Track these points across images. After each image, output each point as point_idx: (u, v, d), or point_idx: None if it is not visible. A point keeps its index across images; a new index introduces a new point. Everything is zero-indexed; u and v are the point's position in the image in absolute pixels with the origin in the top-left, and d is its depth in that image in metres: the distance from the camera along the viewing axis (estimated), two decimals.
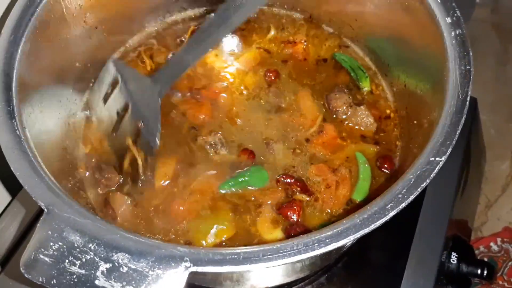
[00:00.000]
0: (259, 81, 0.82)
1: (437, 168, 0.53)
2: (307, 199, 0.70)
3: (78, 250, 0.46)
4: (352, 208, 0.69)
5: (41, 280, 0.46)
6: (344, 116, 0.78)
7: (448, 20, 0.64)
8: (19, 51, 0.62)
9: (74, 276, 0.45)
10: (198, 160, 0.73)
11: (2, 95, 0.58)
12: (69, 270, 0.46)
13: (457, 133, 0.55)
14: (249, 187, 0.70)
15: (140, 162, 0.66)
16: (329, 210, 0.69)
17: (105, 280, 0.45)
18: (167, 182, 0.71)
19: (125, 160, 0.68)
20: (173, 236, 0.67)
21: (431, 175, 0.52)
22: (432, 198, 0.78)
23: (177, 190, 0.70)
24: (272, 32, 0.88)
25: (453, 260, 0.79)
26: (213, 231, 0.66)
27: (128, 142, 0.65)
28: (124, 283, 0.45)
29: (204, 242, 0.66)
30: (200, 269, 0.46)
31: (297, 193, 0.70)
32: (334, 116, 0.78)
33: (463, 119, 0.56)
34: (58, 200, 0.51)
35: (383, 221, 0.49)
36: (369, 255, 0.77)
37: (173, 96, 0.79)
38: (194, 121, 0.77)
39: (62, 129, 0.72)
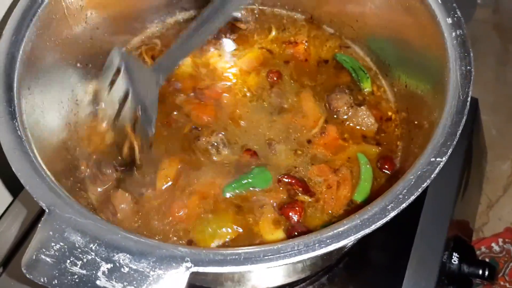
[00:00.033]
0: (262, 82, 0.82)
1: (437, 169, 0.53)
2: (309, 200, 0.70)
3: (79, 250, 0.47)
4: (353, 209, 0.69)
5: (42, 280, 0.46)
6: (345, 117, 0.78)
7: (449, 20, 0.64)
8: (21, 52, 0.62)
9: (76, 276, 0.45)
10: (200, 161, 0.73)
11: (4, 96, 0.58)
12: (70, 270, 0.46)
13: (458, 134, 0.55)
14: (253, 189, 0.70)
15: (136, 148, 0.67)
16: (330, 211, 0.69)
17: (106, 280, 0.45)
18: (169, 183, 0.71)
19: (124, 146, 0.68)
20: (175, 238, 0.67)
21: (432, 176, 0.52)
22: (433, 198, 0.78)
23: (179, 192, 0.70)
24: (273, 33, 0.88)
25: (455, 261, 0.79)
26: (216, 232, 0.66)
27: (127, 129, 0.66)
28: (125, 283, 0.45)
29: (207, 244, 0.66)
30: (201, 269, 0.46)
31: (299, 193, 0.70)
32: (335, 116, 0.78)
33: (463, 120, 0.56)
34: (59, 200, 0.51)
35: (384, 221, 0.49)
36: (370, 255, 0.77)
37: (177, 97, 0.79)
38: (198, 121, 0.77)
39: (63, 129, 0.72)
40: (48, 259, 0.46)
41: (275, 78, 0.82)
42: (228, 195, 0.70)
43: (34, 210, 0.80)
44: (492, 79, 1.71)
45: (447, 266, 0.77)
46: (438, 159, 0.53)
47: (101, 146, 0.74)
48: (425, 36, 0.68)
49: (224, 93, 0.81)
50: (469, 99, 0.58)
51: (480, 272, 0.80)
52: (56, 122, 0.70)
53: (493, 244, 1.39)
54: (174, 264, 0.46)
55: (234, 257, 0.46)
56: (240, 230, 0.67)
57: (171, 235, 0.67)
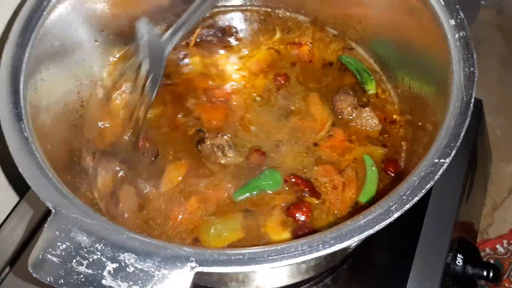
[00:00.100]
0: (269, 85, 0.82)
1: (441, 170, 0.53)
2: (316, 202, 0.70)
3: (85, 250, 0.47)
4: (358, 210, 0.69)
5: (49, 280, 0.46)
6: (350, 118, 0.78)
7: (452, 22, 0.64)
8: (26, 54, 0.62)
9: (82, 276, 0.46)
10: (206, 164, 0.73)
11: (10, 98, 0.58)
12: (76, 269, 0.46)
13: (462, 135, 0.55)
14: (262, 191, 0.70)
15: (141, 114, 0.71)
16: (336, 212, 0.69)
17: (111, 279, 0.46)
18: (174, 186, 0.71)
19: (133, 114, 0.72)
20: (178, 240, 0.67)
21: (436, 177, 0.52)
22: (438, 199, 0.78)
23: (183, 194, 0.70)
24: (278, 35, 0.88)
25: (459, 262, 0.79)
26: (223, 234, 0.66)
27: (135, 96, 0.71)
28: (130, 283, 0.45)
29: (214, 245, 0.66)
30: (205, 269, 0.46)
31: (306, 195, 0.70)
32: (339, 117, 0.78)
33: (467, 121, 0.56)
34: (66, 201, 0.51)
35: (388, 222, 0.49)
36: (374, 256, 0.77)
37: (187, 101, 0.80)
38: (208, 125, 0.77)
39: (69, 130, 0.72)
40: (54, 259, 0.47)
41: (282, 81, 0.82)
42: (239, 198, 0.70)
43: (41, 210, 0.80)
44: (496, 81, 1.71)
45: (452, 268, 0.77)
46: (441, 160, 0.53)
47: (107, 142, 0.75)
48: (428, 37, 0.68)
49: (233, 95, 0.81)
50: (472, 100, 0.58)
51: (485, 273, 0.80)
52: (62, 123, 0.71)
53: (497, 246, 1.39)
54: (179, 264, 0.46)
55: (238, 257, 0.46)
56: (247, 231, 0.67)
57: (174, 237, 0.68)
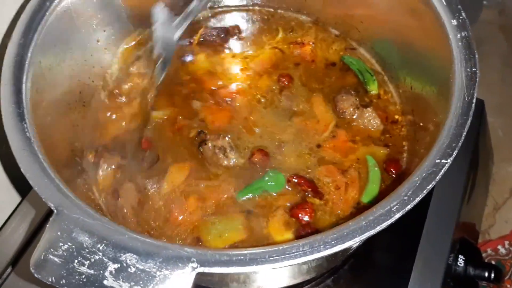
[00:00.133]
0: (273, 86, 0.82)
1: (443, 170, 0.53)
2: (319, 202, 0.70)
3: (87, 250, 0.47)
4: (360, 210, 0.69)
5: (50, 280, 0.46)
6: (352, 117, 0.78)
7: (454, 22, 0.64)
8: (29, 54, 0.63)
9: (83, 276, 0.46)
10: (208, 165, 0.73)
11: (13, 98, 0.59)
12: (78, 270, 0.46)
13: (463, 135, 0.55)
14: (266, 192, 0.71)
15: (149, 98, 0.76)
16: (338, 212, 0.69)
17: (113, 280, 0.46)
18: (176, 187, 0.71)
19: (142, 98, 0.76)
20: (179, 241, 0.68)
21: (437, 177, 0.52)
22: (439, 200, 0.78)
23: (184, 195, 0.71)
24: (280, 35, 0.88)
25: (460, 263, 0.79)
26: (224, 234, 0.67)
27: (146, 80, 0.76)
28: (132, 283, 0.45)
29: (215, 245, 0.66)
30: (207, 269, 0.46)
31: (309, 195, 0.70)
32: (341, 117, 0.78)
33: (469, 121, 0.56)
34: (67, 201, 0.51)
35: (389, 223, 0.49)
36: (376, 257, 0.77)
37: (194, 103, 0.80)
38: (212, 127, 0.77)
39: (70, 130, 0.73)
40: (56, 259, 0.47)
41: (286, 82, 0.82)
42: (241, 199, 0.70)
43: (42, 211, 0.80)
44: (498, 81, 1.70)
45: (453, 268, 0.77)
46: (443, 160, 0.53)
47: (111, 135, 0.75)
48: (430, 38, 0.68)
49: (237, 96, 0.81)
50: (474, 100, 0.58)
51: (486, 274, 0.79)
52: (64, 122, 0.71)
53: (499, 247, 1.38)
54: (180, 265, 0.46)
55: (239, 257, 0.46)
56: (250, 232, 0.67)
57: (175, 237, 0.68)
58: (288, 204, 0.70)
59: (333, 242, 0.47)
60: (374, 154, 0.74)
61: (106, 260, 0.46)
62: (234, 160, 0.73)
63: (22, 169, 0.53)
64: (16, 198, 0.85)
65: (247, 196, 0.70)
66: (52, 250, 0.47)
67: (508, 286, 1.32)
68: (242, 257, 0.46)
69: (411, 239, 0.75)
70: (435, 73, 0.67)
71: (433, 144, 0.55)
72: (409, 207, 0.50)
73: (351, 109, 0.78)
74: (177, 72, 0.84)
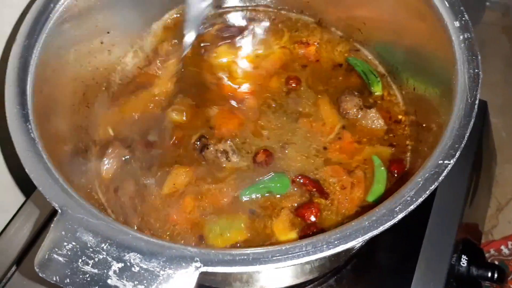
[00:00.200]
0: (282, 87, 0.82)
1: (445, 171, 0.53)
2: (325, 202, 0.70)
3: (91, 250, 0.47)
4: (365, 210, 0.69)
5: (55, 279, 0.47)
6: (355, 118, 0.78)
7: (457, 24, 0.64)
8: (33, 56, 0.63)
9: (87, 275, 0.46)
10: (210, 169, 0.73)
11: (17, 99, 0.59)
12: (82, 269, 0.46)
13: (466, 136, 0.55)
14: (269, 193, 0.71)
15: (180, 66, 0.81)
16: (344, 211, 0.70)
17: (117, 279, 0.46)
18: (177, 189, 0.71)
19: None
20: (182, 240, 0.68)
21: (440, 178, 0.52)
22: (442, 201, 0.78)
23: (185, 196, 0.71)
24: (286, 35, 0.89)
25: (463, 263, 0.79)
26: (226, 234, 0.67)
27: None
28: (135, 283, 0.46)
29: (217, 244, 0.66)
30: (210, 269, 0.46)
31: (315, 195, 0.71)
32: (345, 118, 0.78)
33: (471, 122, 0.56)
34: (71, 201, 0.52)
35: (392, 223, 0.49)
36: (379, 257, 0.77)
37: (207, 111, 0.80)
38: (219, 131, 0.77)
39: (74, 130, 0.73)
40: (60, 258, 0.47)
41: (294, 85, 0.82)
42: (245, 198, 0.70)
43: (47, 210, 0.81)
44: (501, 82, 1.70)
45: (456, 269, 0.77)
46: (446, 161, 0.53)
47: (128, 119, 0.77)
48: (433, 39, 0.68)
49: (248, 98, 0.81)
50: (477, 102, 0.58)
51: (489, 274, 0.79)
52: (67, 122, 0.72)
53: (502, 247, 1.38)
54: (183, 264, 0.46)
55: (243, 257, 0.47)
56: (253, 232, 0.67)
57: (176, 237, 0.68)
58: (295, 205, 0.70)
59: (336, 242, 0.48)
60: (379, 154, 0.74)
61: (110, 259, 0.47)
62: (237, 163, 0.73)
63: (26, 170, 0.53)
64: (21, 198, 0.85)
65: (251, 196, 0.70)
66: (56, 249, 0.47)
67: (511, 286, 1.32)
68: (245, 257, 0.47)
69: (414, 240, 0.75)
70: (437, 74, 0.67)
71: (436, 145, 0.55)
72: (412, 207, 0.50)
73: (355, 110, 0.78)
74: (201, 73, 0.84)
